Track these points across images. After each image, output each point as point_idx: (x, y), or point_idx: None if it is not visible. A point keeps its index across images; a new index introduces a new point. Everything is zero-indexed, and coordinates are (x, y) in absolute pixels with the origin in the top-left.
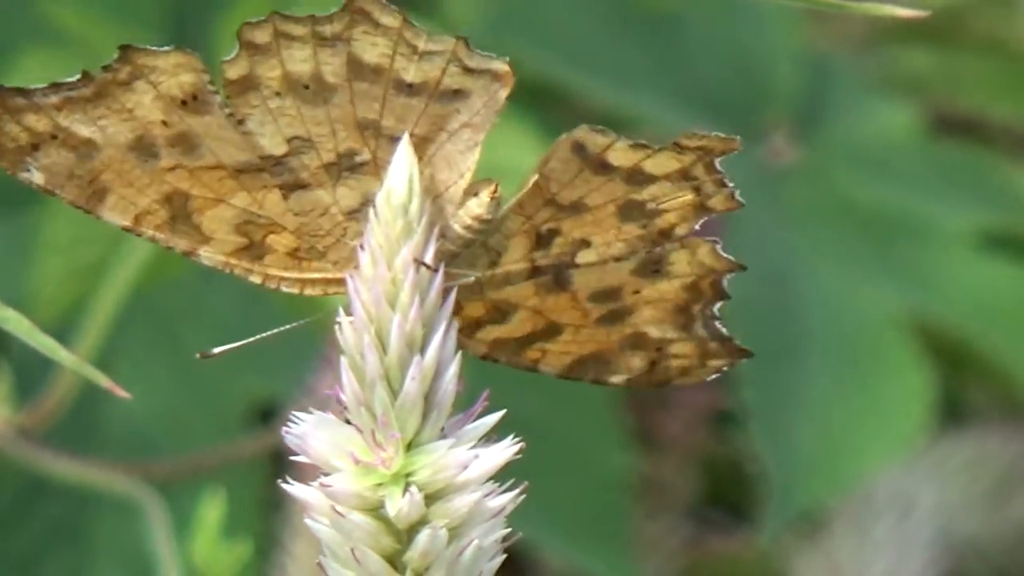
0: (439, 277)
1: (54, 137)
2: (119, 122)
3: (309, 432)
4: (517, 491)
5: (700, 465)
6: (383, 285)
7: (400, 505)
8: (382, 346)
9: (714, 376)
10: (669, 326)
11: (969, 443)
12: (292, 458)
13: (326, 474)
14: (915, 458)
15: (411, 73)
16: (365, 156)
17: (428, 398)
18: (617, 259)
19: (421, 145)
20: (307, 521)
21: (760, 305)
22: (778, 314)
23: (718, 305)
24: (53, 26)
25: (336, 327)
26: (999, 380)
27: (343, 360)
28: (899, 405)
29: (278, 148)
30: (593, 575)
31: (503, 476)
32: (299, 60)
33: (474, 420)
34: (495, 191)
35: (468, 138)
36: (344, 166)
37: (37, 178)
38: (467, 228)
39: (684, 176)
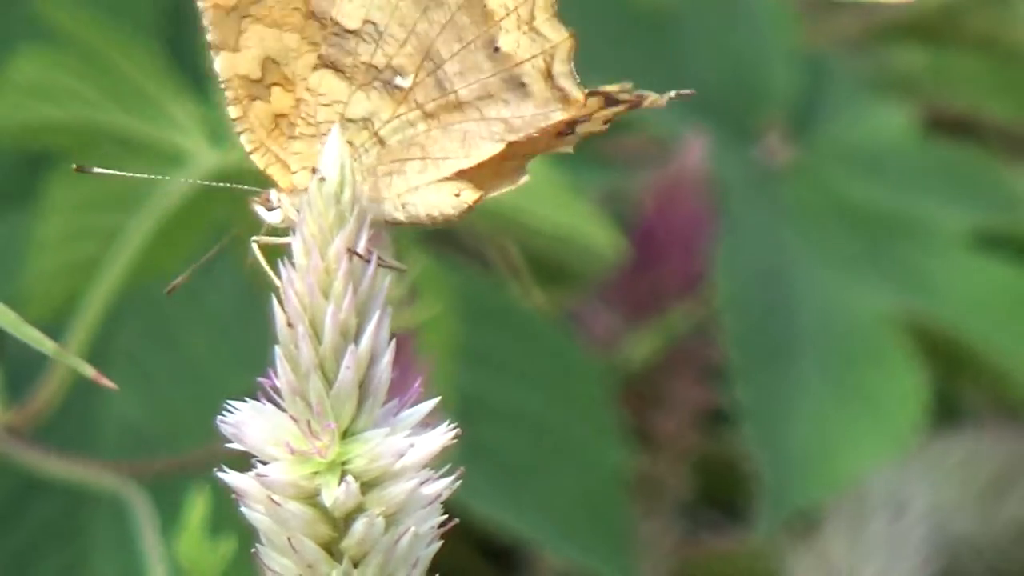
0: (372, 266)
1: None
2: None
3: (244, 421)
4: (452, 477)
5: (694, 464)
6: (316, 275)
7: (336, 494)
8: (316, 336)
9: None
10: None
11: (963, 443)
12: (227, 446)
13: (262, 463)
14: (909, 457)
15: (507, 40)
16: (404, 83)
17: (363, 386)
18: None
19: (454, 105)
20: (243, 510)
21: (754, 304)
22: (772, 313)
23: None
24: (48, 25)
25: (270, 317)
26: (993, 380)
27: (277, 350)
28: (893, 405)
29: (351, 21)
30: (589, 573)
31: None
32: None
33: (410, 407)
34: (479, 201)
35: (497, 132)
36: (382, 77)
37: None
38: (429, 218)
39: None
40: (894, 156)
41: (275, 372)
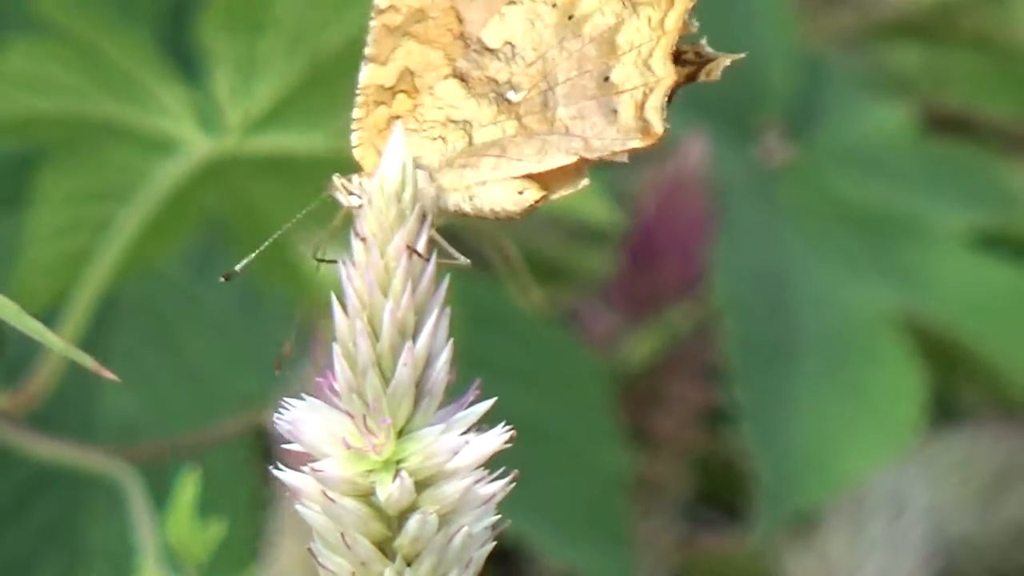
0: (431, 265)
1: None
2: None
3: (300, 418)
4: (508, 479)
5: (694, 464)
6: (376, 272)
7: (390, 491)
8: (374, 333)
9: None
10: None
11: (962, 442)
12: (283, 445)
13: (317, 460)
14: (908, 457)
15: (619, 72)
16: (516, 97)
17: (419, 385)
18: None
19: (549, 120)
20: (298, 507)
21: (753, 304)
22: (771, 313)
23: None
24: (38, 16)
25: (329, 314)
26: (991, 379)
27: (335, 347)
28: (891, 404)
29: (493, 41)
30: (588, 573)
31: (496, 471)
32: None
33: (465, 408)
34: (541, 201)
35: (576, 148)
36: (498, 90)
37: None
38: (492, 213)
39: None
40: (892, 155)
41: (331, 369)
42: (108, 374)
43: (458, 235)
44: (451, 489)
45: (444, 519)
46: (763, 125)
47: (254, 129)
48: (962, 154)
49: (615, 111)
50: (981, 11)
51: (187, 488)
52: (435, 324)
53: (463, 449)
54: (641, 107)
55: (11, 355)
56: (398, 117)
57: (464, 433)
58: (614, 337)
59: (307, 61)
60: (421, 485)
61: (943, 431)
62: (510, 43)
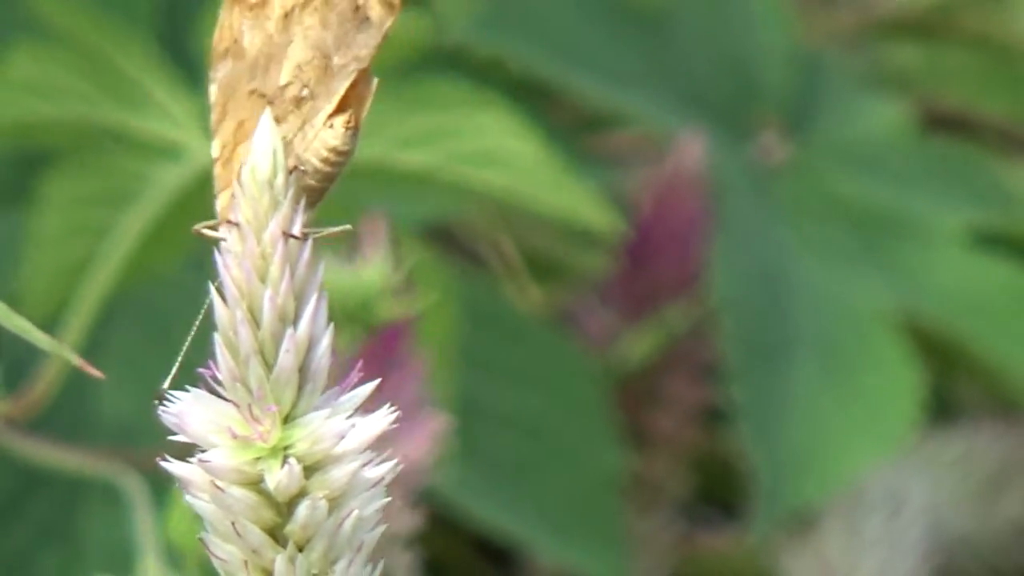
0: (308, 249)
1: None
2: None
3: (186, 409)
4: (395, 461)
5: (691, 463)
6: (253, 260)
7: (279, 478)
8: (255, 321)
9: None
10: None
11: (960, 440)
12: (170, 437)
13: (204, 450)
14: (905, 455)
15: None
16: (308, 91)
17: (303, 370)
18: None
19: (331, 74)
20: (187, 498)
21: (750, 302)
22: (768, 311)
23: None
24: (43, 21)
25: (208, 303)
26: (989, 377)
27: (216, 337)
28: (890, 403)
29: (287, 77)
30: (585, 573)
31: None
32: None
33: (349, 391)
34: (350, 120)
35: (351, 69)
36: (300, 98)
37: None
38: (324, 161)
39: None
40: (890, 153)
41: (216, 360)
42: (95, 372)
43: (455, 235)
44: (339, 473)
45: (334, 503)
46: (761, 123)
47: None
48: (960, 153)
49: (368, 19)
50: (980, 10)
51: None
52: (315, 308)
53: (349, 433)
54: None
55: (12, 360)
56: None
57: (350, 416)
58: (611, 336)
59: None
60: (309, 470)
61: (941, 429)
62: (298, 65)
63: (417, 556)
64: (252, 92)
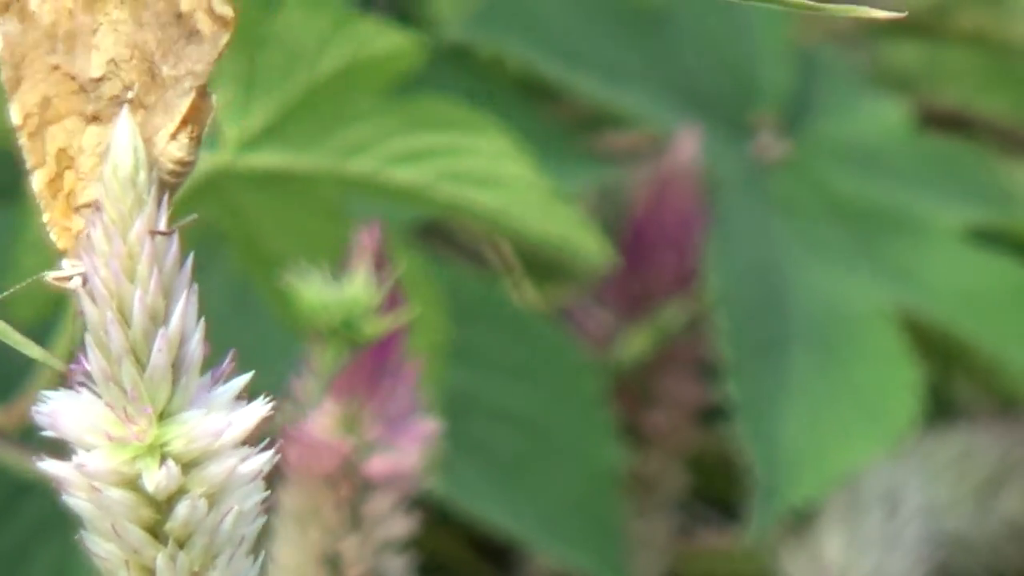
0: (175, 244)
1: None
2: None
3: (60, 410)
4: (271, 452)
5: (689, 460)
6: (120, 260)
7: (157, 478)
8: (125, 320)
9: None
10: None
11: (958, 439)
12: (43, 435)
13: (82, 451)
14: (903, 454)
15: (184, 4)
16: (132, 93)
17: (176, 367)
18: None
19: (160, 85)
20: (64, 498)
21: (746, 299)
22: (765, 309)
23: None
24: None
25: (75, 305)
26: (987, 375)
27: (87, 337)
28: (888, 400)
29: (98, 70)
30: (582, 571)
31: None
32: None
33: (222, 384)
34: (193, 133)
35: (189, 85)
36: (120, 99)
37: None
38: (171, 173)
39: None
40: (888, 151)
41: (87, 359)
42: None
43: (453, 233)
44: (217, 469)
45: (213, 499)
46: (758, 121)
47: (251, 145)
48: (958, 151)
49: (198, 31)
50: (979, 10)
51: None
52: (185, 304)
53: (226, 428)
54: (211, 11)
55: (6, 367)
56: (71, 193)
57: (225, 411)
58: (608, 335)
59: (305, 77)
60: (187, 468)
61: (939, 428)
62: (112, 60)
63: (414, 556)
64: (56, 68)
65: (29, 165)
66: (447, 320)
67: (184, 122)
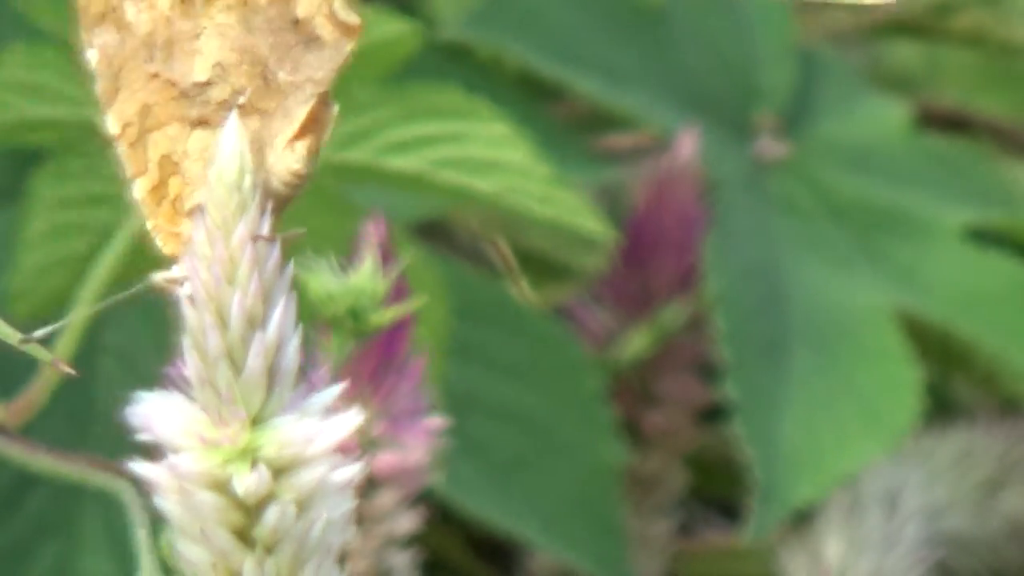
0: (276, 251)
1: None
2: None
3: (154, 412)
4: (363, 463)
5: (689, 460)
6: (221, 264)
7: (247, 482)
8: (224, 324)
9: None
10: None
11: (958, 438)
12: (139, 437)
13: (174, 453)
14: (903, 453)
15: (301, 6)
16: (244, 98)
17: (271, 373)
18: None
19: (276, 91)
20: (155, 501)
21: (746, 300)
22: (764, 309)
23: None
24: (34, 23)
25: (177, 304)
26: (987, 375)
27: (184, 340)
28: (887, 400)
29: (202, 75)
30: (582, 570)
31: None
32: None
33: (318, 392)
34: (312, 146)
35: (309, 92)
36: (229, 104)
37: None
38: (285, 183)
39: None
40: (888, 151)
41: (184, 362)
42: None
43: (453, 232)
44: (308, 476)
45: (302, 506)
46: (758, 121)
47: None
48: (958, 151)
49: (317, 37)
50: (978, 9)
51: None
52: (283, 311)
53: (318, 435)
54: (333, 16)
55: (9, 361)
56: (177, 199)
57: (318, 419)
58: (608, 334)
59: None
60: (278, 473)
61: (939, 427)
62: (219, 64)
63: (415, 555)
64: (155, 76)
65: (129, 174)
66: (449, 314)
67: (302, 130)
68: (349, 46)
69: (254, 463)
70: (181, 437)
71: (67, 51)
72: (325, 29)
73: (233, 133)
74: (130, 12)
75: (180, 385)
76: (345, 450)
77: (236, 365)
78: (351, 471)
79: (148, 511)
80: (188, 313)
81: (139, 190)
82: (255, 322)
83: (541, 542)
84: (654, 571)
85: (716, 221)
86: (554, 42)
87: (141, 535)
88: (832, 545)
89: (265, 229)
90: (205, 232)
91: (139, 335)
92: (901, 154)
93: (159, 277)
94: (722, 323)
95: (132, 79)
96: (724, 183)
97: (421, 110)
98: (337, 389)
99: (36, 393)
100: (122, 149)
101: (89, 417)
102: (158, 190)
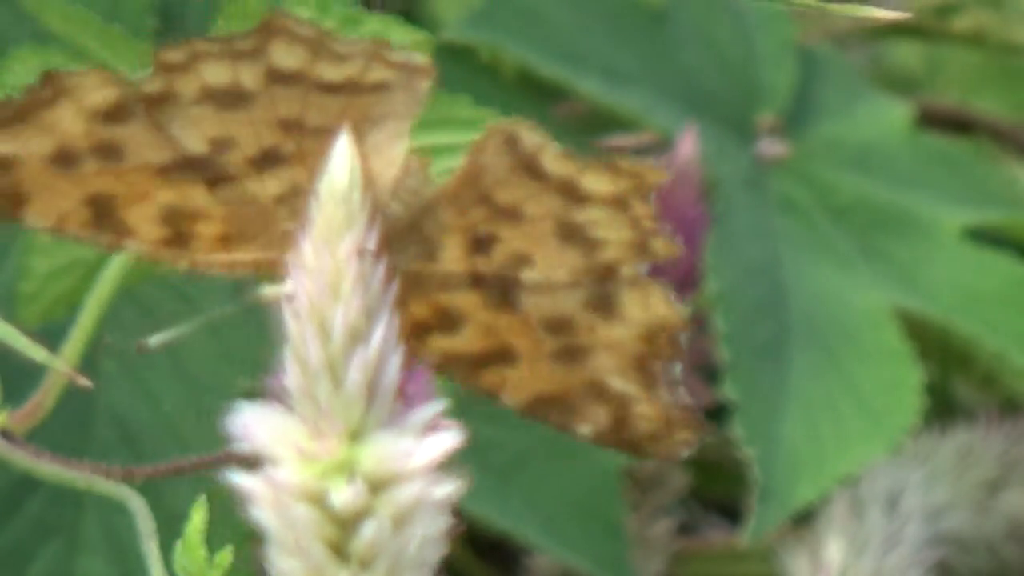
0: (382, 266)
1: None
2: (40, 137)
3: (254, 422)
4: (461, 481)
5: (690, 460)
6: (326, 276)
7: (345, 495)
8: (326, 336)
9: (685, 452)
10: (631, 381)
11: (957, 439)
12: (233, 449)
13: (271, 464)
14: (903, 453)
15: (331, 73)
16: (290, 148)
17: (371, 388)
18: (563, 286)
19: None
20: (252, 512)
21: (747, 299)
22: (765, 308)
23: (679, 368)
24: (46, 30)
25: (280, 318)
26: (988, 375)
27: (287, 351)
28: (887, 401)
29: (200, 148)
30: (582, 571)
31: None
32: (216, 74)
33: (417, 410)
34: (423, 163)
35: (393, 127)
36: (269, 159)
37: None
38: (400, 203)
39: (620, 205)
40: (888, 151)
41: (284, 373)
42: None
43: None
44: (405, 493)
45: (398, 522)
46: (759, 122)
47: None
48: (959, 152)
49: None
50: (978, 9)
51: (197, 515)
52: (386, 326)
53: (416, 452)
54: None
55: (17, 365)
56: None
57: (417, 436)
58: None
59: None
60: (375, 489)
61: (939, 428)
62: (217, 139)
63: None
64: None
65: (106, 242)
66: None
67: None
68: (423, 83)
69: (351, 477)
70: (280, 448)
71: (75, 54)
72: (381, 75)
73: (344, 146)
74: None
75: (280, 396)
76: (442, 467)
77: (336, 378)
78: (448, 488)
79: (154, 519)
80: (290, 324)
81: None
82: (357, 336)
83: (542, 543)
84: (654, 571)
85: (716, 221)
86: (555, 42)
87: (150, 545)
88: (832, 545)
89: (372, 243)
90: (311, 243)
91: (139, 336)
92: (901, 154)
93: (267, 290)
94: (722, 323)
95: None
96: (724, 183)
97: (430, 120)
98: (437, 407)
99: (43, 399)
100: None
101: (90, 418)
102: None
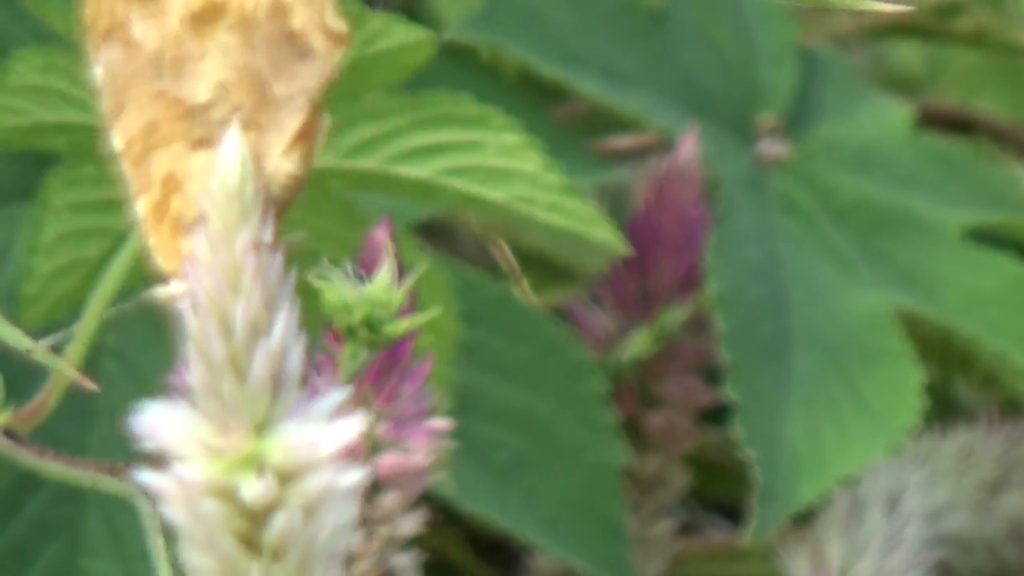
0: (279, 258)
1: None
2: None
3: (159, 420)
4: (368, 467)
5: (690, 461)
6: (224, 272)
7: (254, 489)
8: (227, 331)
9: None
10: None
11: (958, 439)
12: (143, 447)
13: (178, 462)
14: (903, 454)
15: (296, 18)
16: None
17: (275, 380)
18: None
19: (272, 104)
20: (161, 509)
21: (748, 300)
22: (766, 309)
23: None
24: (43, 27)
25: (179, 316)
26: (988, 375)
27: (190, 348)
28: (888, 401)
29: (205, 94)
30: (583, 571)
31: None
32: None
33: (321, 398)
34: (306, 153)
35: (303, 103)
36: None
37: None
38: (283, 188)
39: None
40: (889, 152)
41: (187, 370)
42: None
43: (454, 233)
44: (314, 482)
45: (309, 512)
46: (760, 122)
47: None
48: (960, 152)
49: (312, 49)
50: (979, 9)
51: None
52: (287, 318)
53: (323, 441)
54: (324, 27)
55: (12, 356)
56: (180, 218)
57: (323, 425)
58: (609, 335)
59: None
60: (284, 480)
61: (940, 428)
62: (220, 84)
63: (418, 556)
64: (161, 94)
65: (132, 191)
66: (456, 319)
67: (298, 138)
68: (338, 55)
69: (260, 470)
70: (186, 445)
71: (79, 55)
72: (317, 40)
73: (233, 141)
74: (138, 30)
75: (184, 393)
76: (350, 454)
77: (240, 373)
78: (356, 476)
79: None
80: (191, 321)
81: (141, 208)
82: (259, 329)
83: (542, 543)
84: (655, 572)
85: (717, 222)
86: (555, 43)
87: (157, 543)
88: (833, 546)
89: (267, 236)
90: (207, 240)
91: (140, 337)
92: (902, 155)
93: (160, 291)
94: (723, 324)
95: (138, 96)
96: (725, 184)
97: (433, 118)
98: (340, 394)
99: (46, 398)
100: (126, 166)
101: (91, 418)
102: (160, 208)
